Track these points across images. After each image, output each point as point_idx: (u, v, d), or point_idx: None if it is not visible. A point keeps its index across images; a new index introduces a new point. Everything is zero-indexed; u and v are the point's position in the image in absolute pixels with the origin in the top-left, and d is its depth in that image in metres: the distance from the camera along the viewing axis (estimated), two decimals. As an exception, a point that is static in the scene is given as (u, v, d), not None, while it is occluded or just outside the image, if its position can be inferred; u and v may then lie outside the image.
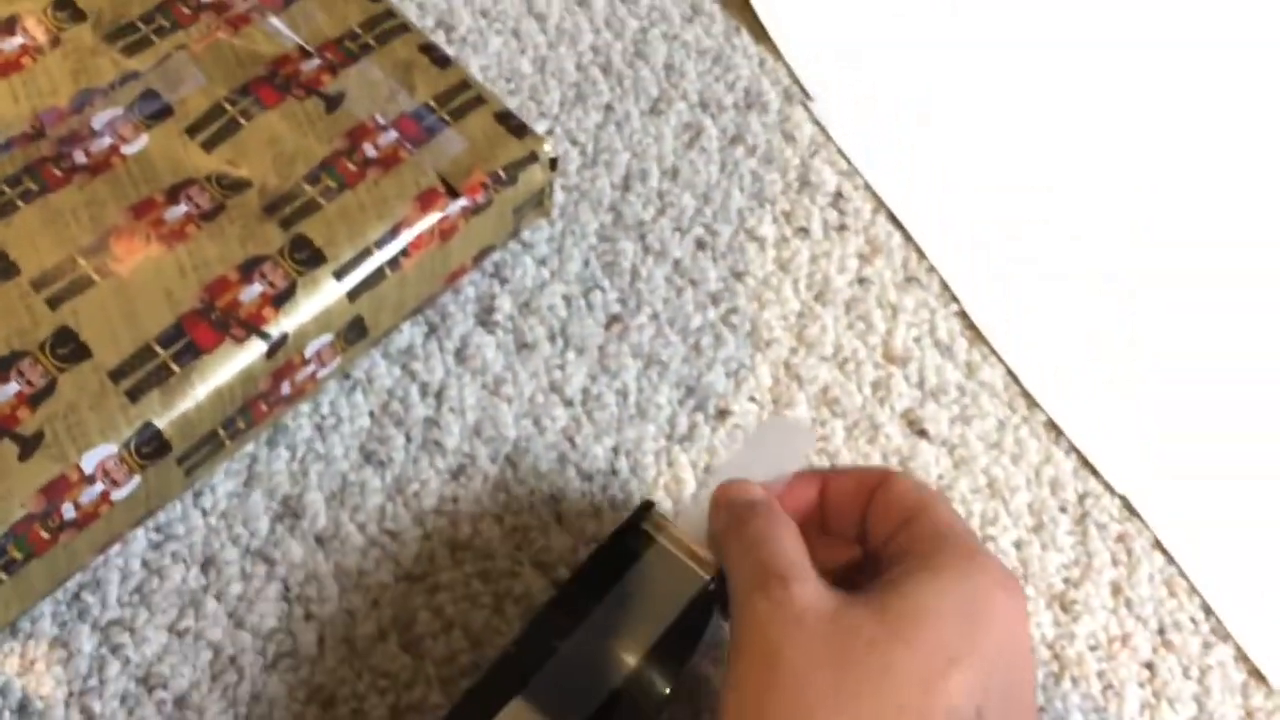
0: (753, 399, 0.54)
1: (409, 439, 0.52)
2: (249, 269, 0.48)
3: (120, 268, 0.48)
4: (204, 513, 0.50)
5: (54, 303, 0.47)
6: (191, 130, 0.51)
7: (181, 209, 0.49)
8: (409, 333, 0.54)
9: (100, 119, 0.51)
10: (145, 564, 0.49)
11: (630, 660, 0.44)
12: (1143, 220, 0.60)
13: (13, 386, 0.45)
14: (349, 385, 0.53)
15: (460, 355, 0.54)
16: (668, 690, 0.44)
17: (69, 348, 0.46)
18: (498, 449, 0.52)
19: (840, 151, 0.60)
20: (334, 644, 0.48)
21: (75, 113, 0.52)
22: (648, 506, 0.46)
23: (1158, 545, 0.52)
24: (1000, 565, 0.40)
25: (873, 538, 0.43)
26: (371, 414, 0.52)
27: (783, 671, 0.37)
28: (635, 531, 0.46)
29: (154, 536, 0.49)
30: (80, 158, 0.50)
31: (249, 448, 0.51)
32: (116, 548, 0.49)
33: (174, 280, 0.48)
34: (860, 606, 0.38)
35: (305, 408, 0.52)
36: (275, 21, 0.54)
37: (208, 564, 0.49)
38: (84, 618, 0.47)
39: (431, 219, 0.50)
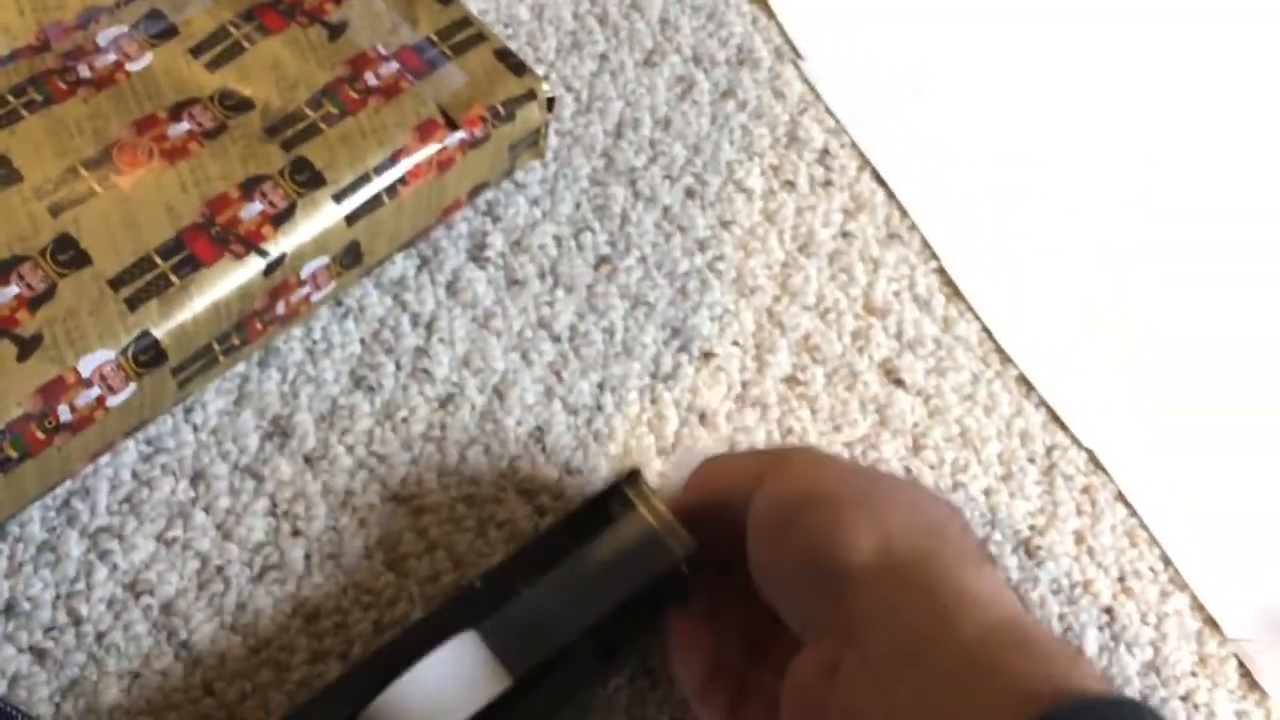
0: (736, 343, 0.55)
1: (399, 367, 0.53)
2: (250, 187, 0.49)
3: (122, 180, 0.48)
4: (195, 428, 0.50)
5: (55, 210, 0.47)
6: (196, 51, 0.52)
7: (184, 126, 0.50)
8: (401, 264, 0.55)
9: (105, 35, 0.52)
10: (135, 475, 0.49)
11: (587, 620, 0.44)
12: (1120, 190, 0.62)
13: (13, 289, 0.46)
14: (341, 312, 0.54)
15: (451, 288, 0.55)
16: (617, 656, 0.45)
17: (69, 254, 0.47)
18: (486, 380, 0.53)
19: (829, 110, 0.62)
20: (320, 560, 0.49)
21: (80, 28, 0.52)
22: (634, 474, 0.47)
23: (1120, 498, 0.54)
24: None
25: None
26: (363, 341, 0.53)
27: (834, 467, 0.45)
28: (618, 495, 0.47)
29: (144, 449, 0.50)
30: (85, 72, 0.51)
31: (240, 367, 0.52)
32: (106, 458, 0.49)
33: (175, 195, 0.48)
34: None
35: (297, 332, 0.53)
36: None
37: (197, 478, 0.50)
38: (73, 524, 0.48)
39: (430, 150, 0.51)
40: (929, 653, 0.37)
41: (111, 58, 0.52)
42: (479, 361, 0.53)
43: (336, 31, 0.53)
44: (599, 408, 0.53)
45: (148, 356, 0.46)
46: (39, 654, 0.46)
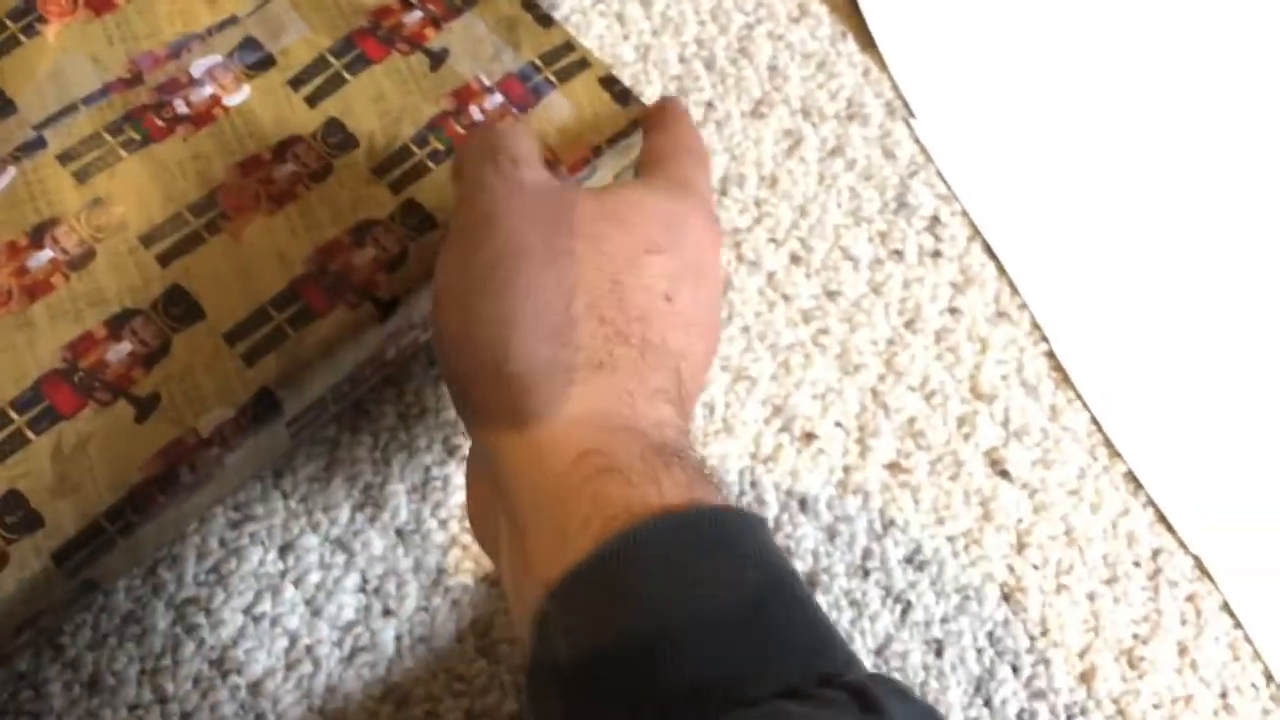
0: (838, 424, 0.53)
1: (494, 436, 0.51)
2: (361, 233, 0.47)
3: (230, 227, 0.46)
4: (284, 495, 0.49)
5: (164, 260, 0.45)
6: (295, 83, 0.50)
7: (289, 167, 0.48)
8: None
9: (199, 66, 0.50)
10: (223, 543, 0.48)
11: None
12: (1250, 282, 0.60)
13: (126, 346, 0.44)
14: (435, 373, 0.52)
15: (549, 353, 0.53)
16: None
17: (181, 307, 0.45)
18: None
19: (940, 174, 0.59)
20: (411, 643, 0.47)
21: (173, 58, 0.50)
22: None
23: (1225, 608, 0.52)
24: (707, 206, 0.44)
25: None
26: (457, 406, 0.51)
27: (498, 227, 0.40)
28: None
29: (233, 515, 0.48)
30: (181, 107, 0.48)
31: (330, 431, 0.50)
32: (194, 524, 0.47)
33: (285, 241, 0.46)
34: (581, 192, 0.42)
35: (389, 394, 0.51)
36: None
37: (286, 549, 0.48)
38: (159, 594, 0.46)
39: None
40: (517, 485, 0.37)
41: (208, 91, 0.49)
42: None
43: (438, 60, 0.51)
44: (698, 488, 0.51)
45: (265, 412, 0.44)
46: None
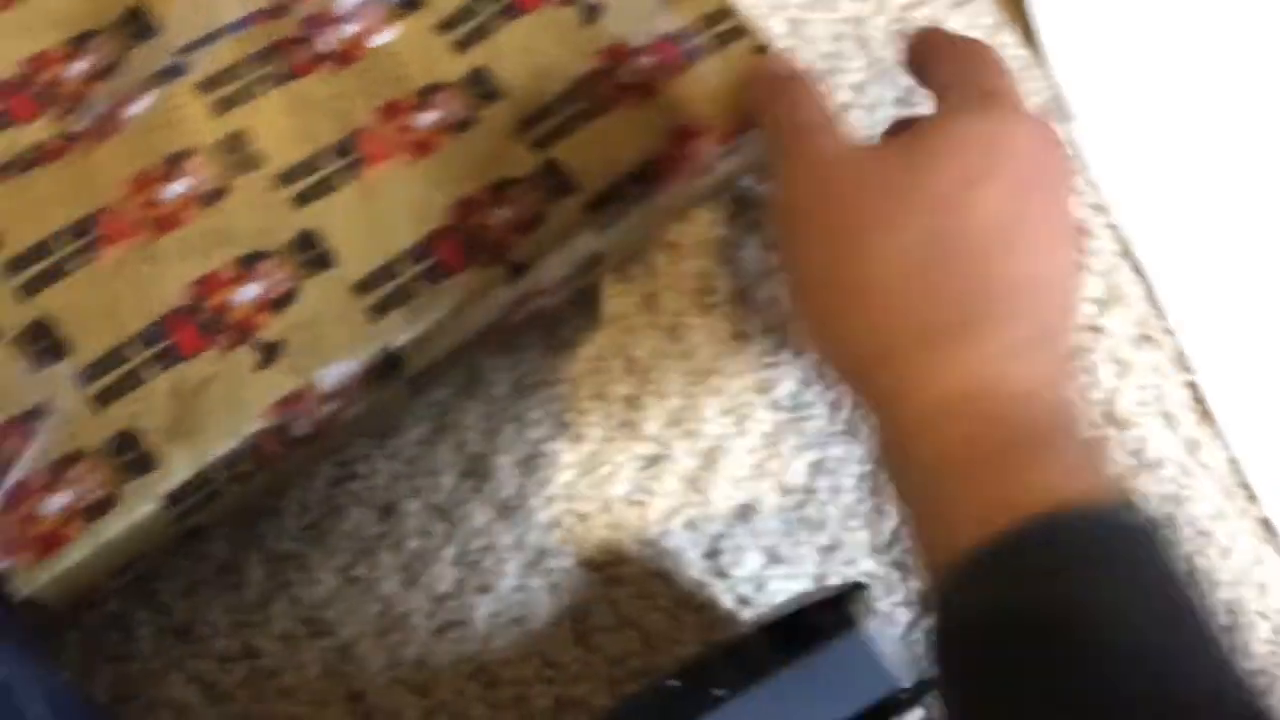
0: (963, 437, 0.51)
1: (608, 415, 0.49)
2: (499, 191, 0.45)
3: (368, 173, 0.45)
4: (389, 456, 0.47)
5: (299, 202, 0.44)
6: (444, 27, 0.48)
7: (432, 115, 0.46)
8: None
9: (346, 2, 0.48)
10: (325, 500, 0.46)
11: None
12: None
13: (254, 289, 0.42)
14: (555, 344, 0.50)
15: (672, 333, 0.51)
16: None
17: (313, 253, 0.43)
18: (696, 444, 0.49)
19: (1092, 183, 0.56)
20: (505, 622, 0.46)
21: None
22: (857, 589, 0.44)
23: (1355, 672, 0.50)
24: (1020, 108, 0.42)
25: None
26: (573, 381, 0.49)
27: (828, 205, 0.40)
28: (838, 610, 0.43)
29: (336, 472, 0.47)
30: (326, 44, 0.47)
31: (441, 394, 0.48)
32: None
33: (423, 193, 0.45)
34: (888, 148, 0.41)
35: (504, 361, 0.49)
36: None
37: (387, 511, 0.47)
38: (257, 546, 0.45)
39: (686, 158, 0.47)
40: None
41: (354, 29, 0.47)
42: (691, 422, 0.49)
43: (592, 14, 0.49)
44: (812, 491, 0.49)
45: (387, 368, 0.43)
46: (208, 686, 0.44)
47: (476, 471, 0.48)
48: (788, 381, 0.51)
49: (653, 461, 0.49)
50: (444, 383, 0.48)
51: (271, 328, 0.42)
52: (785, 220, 0.42)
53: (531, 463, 0.48)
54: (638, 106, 0.47)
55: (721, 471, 0.49)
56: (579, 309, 0.49)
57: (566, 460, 0.48)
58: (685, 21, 0.49)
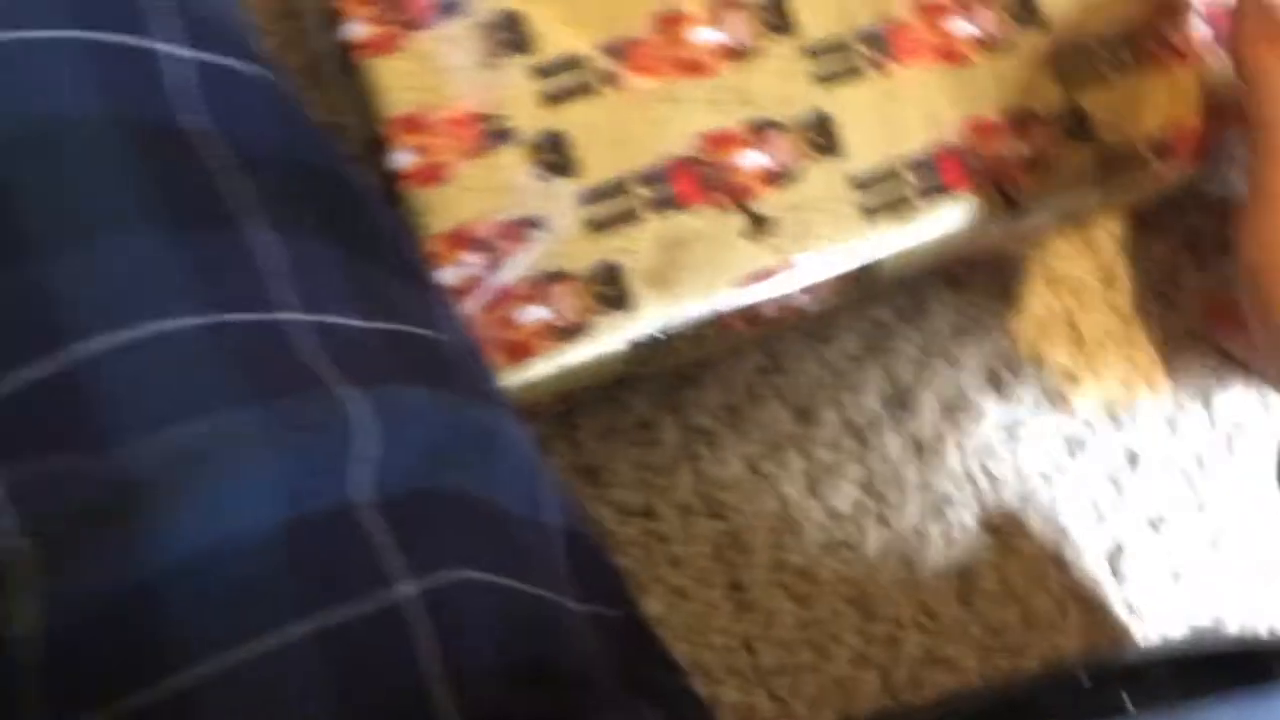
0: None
1: (1041, 383, 0.47)
2: (1018, 123, 0.43)
3: (894, 70, 0.43)
4: (820, 361, 0.46)
5: (822, 80, 0.42)
6: None
7: (969, 27, 0.43)
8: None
9: None
10: (748, 386, 0.45)
11: None
12: None
13: (759, 158, 0.41)
14: (1000, 291, 0.48)
15: (1124, 316, 0.48)
16: None
17: (823, 136, 0.42)
18: (1124, 438, 0.47)
19: None
20: (895, 560, 0.44)
21: None
22: None
23: None
24: None
25: None
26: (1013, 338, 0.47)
27: None
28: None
29: (763, 361, 0.46)
30: None
31: (886, 314, 0.47)
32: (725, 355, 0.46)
33: (941, 105, 0.42)
34: None
35: (949, 296, 0.47)
36: None
37: (803, 414, 0.45)
38: (677, 411, 0.45)
39: (1208, 139, 0.44)
40: None
41: None
42: (1123, 414, 0.47)
43: None
44: (1237, 516, 0.47)
45: (862, 273, 0.41)
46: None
47: (900, 402, 0.46)
48: (1231, 395, 0.48)
49: (1076, 445, 0.47)
50: (888, 302, 0.46)
51: (767, 200, 0.41)
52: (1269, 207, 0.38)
53: (956, 410, 0.46)
54: (1177, 72, 0.44)
55: (1140, 474, 0.46)
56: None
57: (994, 419, 0.46)
58: None
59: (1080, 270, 0.48)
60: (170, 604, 0.25)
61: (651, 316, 0.40)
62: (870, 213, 0.41)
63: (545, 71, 0.41)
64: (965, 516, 0.45)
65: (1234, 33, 0.41)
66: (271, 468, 0.26)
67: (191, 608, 0.25)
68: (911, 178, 0.42)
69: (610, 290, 0.40)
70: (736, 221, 0.41)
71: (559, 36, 0.42)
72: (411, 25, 0.40)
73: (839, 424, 0.45)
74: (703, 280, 0.40)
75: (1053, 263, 0.47)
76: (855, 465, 0.45)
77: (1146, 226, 0.48)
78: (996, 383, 0.47)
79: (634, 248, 0.40)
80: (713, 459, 0.44)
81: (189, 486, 0.25)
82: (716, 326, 0.41)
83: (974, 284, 0.48)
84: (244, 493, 0.26)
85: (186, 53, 0.30)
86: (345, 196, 0.33)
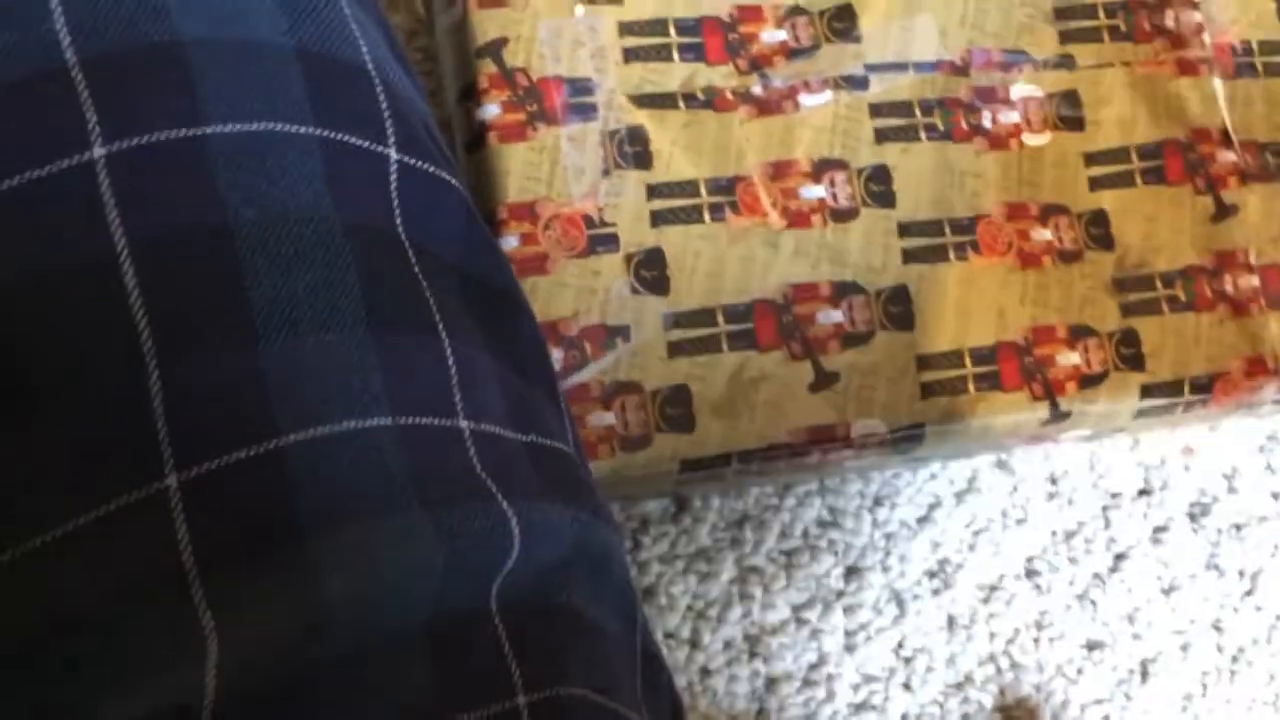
0: None
1: (1071, 584, 0.47)
2: (1076, 335, 0.44)
3: (974, 259, 0.44)
4: (874, 524, 0.46)
5: (908, 256, 0.44)
6: (1090, 158, 0.47)
7: (1047, 234, 0.45)
8: (1128, 475, 0.49)
9: (1019, 90, 0.48)
10: (805, 535, 0.46)
11: None
12: None
13: (838, 316, 0.42)
14: (1050, 492, 0.48)
15: (1156, 538, 0.48)
16: None
17: (899, 309, 0.43)
18: (1137, 654, 0.46)
19: None
20: (919, 732, 0.44)
21: (1002, 69, 0.48)
22: None
23: None
24: None
25: None
26: (1054, 534, 0.48)
27: None
28: None
29: (824, 515, 0.46)
30: (987, 120, 0.47)
31: (941, 488, 0.47)
32: (792, 500, 0.46)
33: (1011, 303, 0.44)
34: None
35: (1007, 483, 0.48)
36: (1217, 84, 0.49)
37: (852, 573, 0.45)
38: (735, 547, 0.45)
39: (1248, 389, 0.45)
40: None
41: (1015, 118, 0.47)
42: (1145, 629, 0.47)
43: (1225, 212, 0.47)
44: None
45: (906, 444, 0.42)
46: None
47: (943, 576, 0.46)
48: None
49: (1095, 646, 0.46)
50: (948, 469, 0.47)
51: (836, 358, 0.42)
52: None
53: (994, 593, 0.46)
54: (1227, 319, 0.46)
55: (1158, 686, 0.46)
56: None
57: (1022, 604, 0.46)
58: None
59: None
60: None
61: (710, 444, 0.41)
62: (927, 391, 0.42)
63: (658, 191, 0.43)
64: (984, 697, 0.45)
65: None
66: (435, 574, 0.27)
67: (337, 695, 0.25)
68: (970, 367, 0.43)
69: (676, 411, 0.41)
70: (806, 373, 0.42)
71: (677, 161, 0.43)
72: (545, 119, 0.41)
73: (884, 589, 0.45)
74: (765, 422, 0.41)
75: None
76: (892, 631, 0.45)
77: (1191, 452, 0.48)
78: (1032, 573, 0.47)
79: (708, 376, 0.41)
80: (762, 601, 0.44)
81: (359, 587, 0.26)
82: (763, 463, 0.42)
83: (1027, 476, 0.48)
84: (403, 596, 0.26)
85: (406, 158, 0.31)
86: (508, 309, 0.34)
